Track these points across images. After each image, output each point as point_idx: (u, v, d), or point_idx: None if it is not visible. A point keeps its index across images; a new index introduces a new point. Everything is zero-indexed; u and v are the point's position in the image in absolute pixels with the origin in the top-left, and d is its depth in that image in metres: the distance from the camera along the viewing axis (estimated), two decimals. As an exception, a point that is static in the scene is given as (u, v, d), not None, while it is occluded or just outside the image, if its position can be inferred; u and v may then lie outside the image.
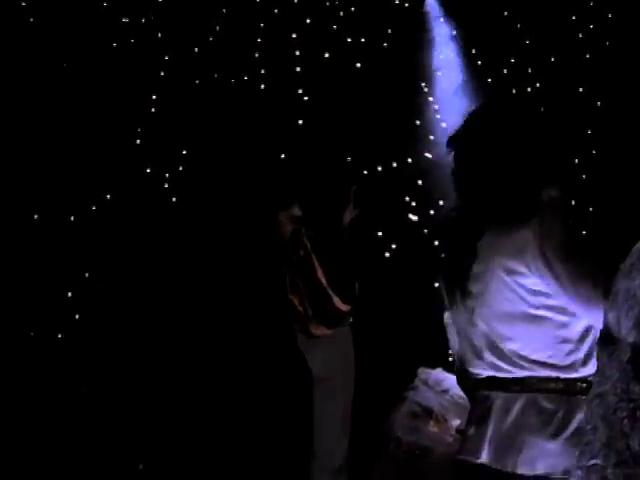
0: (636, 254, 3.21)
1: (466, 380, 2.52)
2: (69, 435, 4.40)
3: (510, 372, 2.32)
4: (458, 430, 3.55)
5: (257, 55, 5.02)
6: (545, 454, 2.24)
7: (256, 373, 4.21)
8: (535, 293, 2.29)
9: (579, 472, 3.34)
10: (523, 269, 2.27)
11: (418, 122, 5.09)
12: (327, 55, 5.08)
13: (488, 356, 2.37)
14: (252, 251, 4.73)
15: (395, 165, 5.05)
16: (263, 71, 5.00)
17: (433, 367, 4.02)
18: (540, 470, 2.24)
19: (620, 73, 5.10)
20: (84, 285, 4.61)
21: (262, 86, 5.00)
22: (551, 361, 2.29)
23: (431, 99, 5.13)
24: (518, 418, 2.28)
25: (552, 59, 5.20)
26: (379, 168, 5.02)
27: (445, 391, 3.84)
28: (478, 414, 2.38)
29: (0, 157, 4.61)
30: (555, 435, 2.26)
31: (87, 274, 4.63)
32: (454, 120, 4.98)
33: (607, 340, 3.21)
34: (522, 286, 2.29)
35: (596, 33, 5.25)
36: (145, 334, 4.57)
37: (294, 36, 5.06)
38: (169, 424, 4.45)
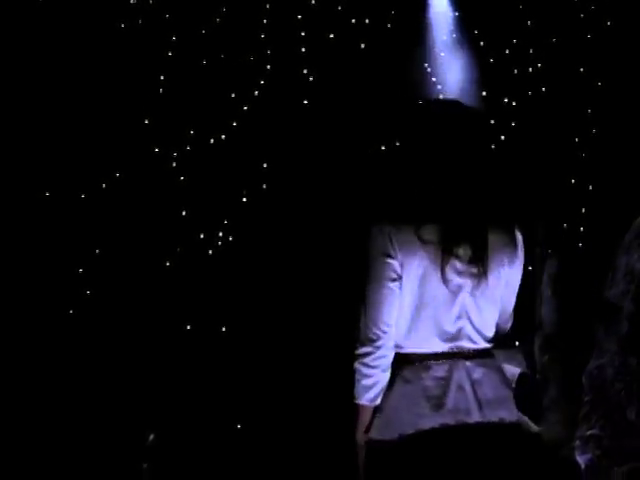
0: (635, 230, 3.30)
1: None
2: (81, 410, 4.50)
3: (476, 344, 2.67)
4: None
5: (263, 36, 5.09)
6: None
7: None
8: None
9: (577, 442, 3.46)
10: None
11: (420, 102, 5.16)
12: (332, 36, 5.14)
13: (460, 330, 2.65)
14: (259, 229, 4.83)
15: (397, 145, 5.11)
16: (269, 51, 5.07)
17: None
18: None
19: (621, 54, 5.16)
20: (95, 261, 4.71)
21: (268, 66, 5.07)
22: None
23: (434, 79, 5.20)
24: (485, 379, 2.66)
25: (553, 40, 5.26)
26: (382, 148, 5.09)
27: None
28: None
29: (13, 136, 4.70)
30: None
31: (97, 251, 4.72)
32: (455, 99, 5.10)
33: (605, 315, 3.32)
34: None
35: (597, 14, 5.30)
36: (155, 311, 4.67)
37: (299, 17, 5.13)
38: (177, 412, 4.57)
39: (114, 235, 4.74)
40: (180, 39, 5.01)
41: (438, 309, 2.58)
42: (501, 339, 2.87)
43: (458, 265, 2.57)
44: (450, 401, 2.55)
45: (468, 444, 2.55)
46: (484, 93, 5.16)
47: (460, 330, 2.61)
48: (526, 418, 3.72)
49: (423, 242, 2.53)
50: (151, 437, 4.48)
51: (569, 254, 4.54)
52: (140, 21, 5.01)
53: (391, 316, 2.58)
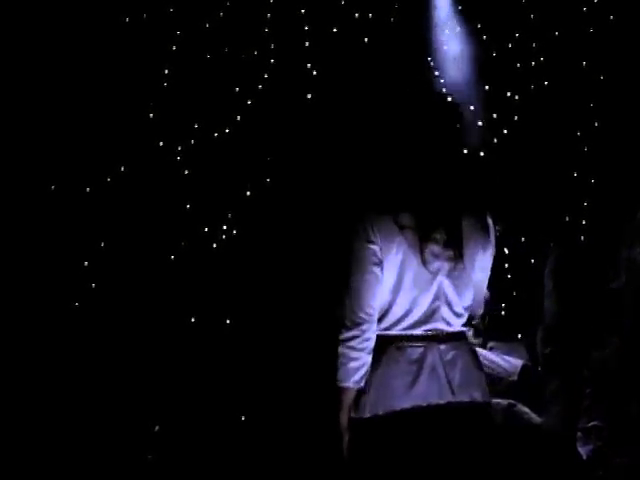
0: (637, 223, 3.33)
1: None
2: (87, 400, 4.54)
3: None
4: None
5: (266, 30, 5.12)
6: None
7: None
8: None
9: (579, 434, 3.49)
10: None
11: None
12: (335, 30, 5.16)
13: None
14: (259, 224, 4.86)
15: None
16: (272, 46, 5.09)
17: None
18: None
19: (623, 47, 5.18)
20: (100, 254, 4.74)
21: (271, 60, 5.09)
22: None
23: (437, 73, 5.22)
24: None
25: (556, 34, 5.27)
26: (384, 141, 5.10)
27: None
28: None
29: (18, 130, 4.73)
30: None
31: (102, 244, 4.76)
32: (459, 93, 5.13)
33: (608, 307, 3.36)
34: None
35: (600, 7, 5.32)
36: (160, 304, 4.71)
37: (302, 11, 5.15)
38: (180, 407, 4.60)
39: (119, 228, 4.77)
40: (184, 33, 5.03)
41: (417, 291, 2.71)
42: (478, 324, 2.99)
43: (435, 248, 2.71)
44: (422, 382, 2.69)
45: (438, 423, 2.67)
46: (487, 87, 5.18)
47: (436, 311, 2.74)
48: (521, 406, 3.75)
49: (401, 228, 2.69)
50: (156, 429, 4.52)
51: (571, 248, 4.56)
52: (145, 15, 5.03)
53: (375, 299, 2.71)
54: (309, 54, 5.12)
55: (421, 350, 2.73)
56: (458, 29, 5.25)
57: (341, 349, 2.72)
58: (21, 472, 4.33)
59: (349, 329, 2.72)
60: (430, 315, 2.74)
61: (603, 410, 3.48)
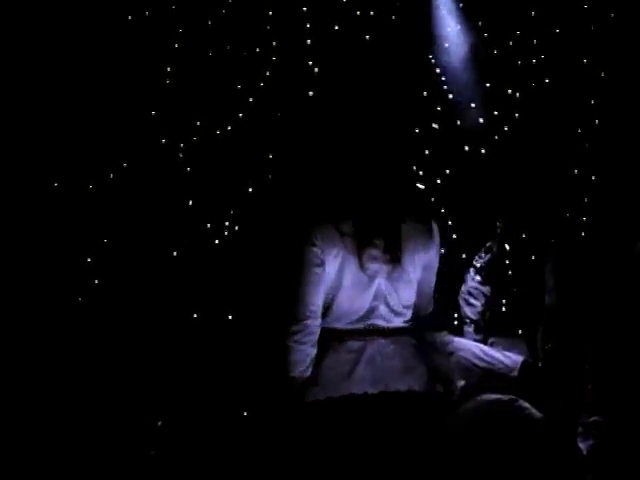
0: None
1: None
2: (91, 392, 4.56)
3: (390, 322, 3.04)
4: (462, 389, 3.72)
5: (268, 27, 5.13)
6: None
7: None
8: None
9: (580, 429, 3.51)
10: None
11: (425, 93, 5.20)
12: (336, 27, 5.18)
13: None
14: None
15: (403, 135, 5.15)
16: (274, 43, 5.11)
17: (438, 330, 4.17)
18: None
19: (624, 44, 5.19)
20: (103, 251, 4.76)
21: (273, 58, 5.11)
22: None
23: (438, 70, 5.23)
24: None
25: (557, 31, 5.29)
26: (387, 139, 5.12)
27: (450, 353, 4.00)
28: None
29: (21, 127, 4.75)
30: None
31: (105, 240, 4.78)
32: (460, 91, 5.15)
33: (610, 305, 3.39)
34: None
35: (601, 4, 5.33)
36: (162, 300, 4.73)
37: (304, 9, 5.17)
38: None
39: (122, 225, 4.79)
40: (186, 30, 5.04)
41: (355, 291, 3.00)
42: (428, 319, 3.12)
43: (374, 252, 3.00)
44: (360, 372, 2.95)
45: (374, 411, 2.93)
46: (487, 84, 5.20)
47: (375, 309, 3.01)
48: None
49: (341, 234, 2.99)
50: (158, 424, 4.54)
51: (571, 244, 4.58)
52: (147, 12, 5.05)
53: (317, 297, 3.01)
54: (311, 51, 5.13)
55: (361, 343, 3.00)
56: (459, 26, 5.26)
57: (288, 342, 3.00)
58: (22, 466, 4.35)
59: (294, 324, 3.00)
60: (370, 312, 3.01)
61: (604, 406, 3.50)
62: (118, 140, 4.85)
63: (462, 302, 4.31)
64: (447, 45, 5.27)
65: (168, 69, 5.00)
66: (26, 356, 4.57)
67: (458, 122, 5.11)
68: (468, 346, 4.06)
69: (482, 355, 4.00)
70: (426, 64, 5.20)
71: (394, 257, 3.01)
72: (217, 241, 4.85)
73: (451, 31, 5.26)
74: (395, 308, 3.04)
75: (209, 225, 4.86)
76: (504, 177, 4.95)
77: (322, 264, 2.99)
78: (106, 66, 4.89)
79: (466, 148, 5.09)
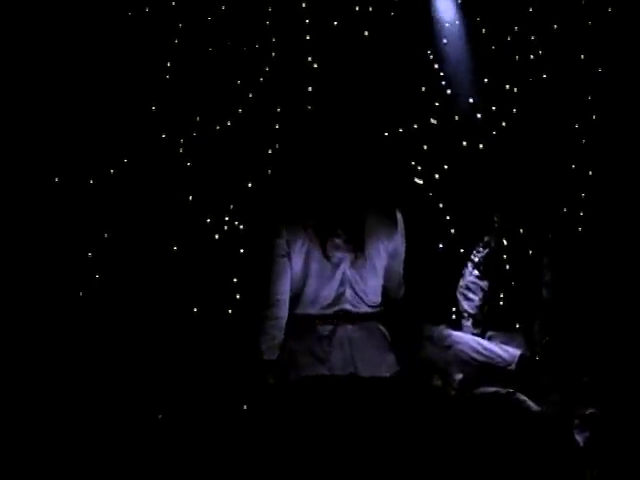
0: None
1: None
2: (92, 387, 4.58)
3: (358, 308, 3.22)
4: (460, 383, 3.75)
5: (268, 23, 5.15)
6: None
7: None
8: None
9: (577, 421, 3.55)
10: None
11: (423, 89, 5.22)
12: (336, 23, 5.20)
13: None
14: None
15: (401, 130, 5.17)
16: (274, 39, 5.13)
17: (437, 324, 4.20)
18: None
19: (622, 41, 5.21)
20: (103, 246, 4.78)
21: (273, 53, 5.13)
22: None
23: (436, 66, 5.25)
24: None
25: (555, 27, 5.30)
26: (386, 133, 5.15)
27: (448, 347, 4.03)
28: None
29: (21, 123, 4.76)
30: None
31: (106, 235, 4.80)
32: (458, 87, 5.17)
33: (610, 299, 3.42)
34: None
35: (599, 0, 5.35)
36: (162, 294, 4.75)
37: (303, 5, 5.19)
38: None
39: (122, 220, 4.82)
40: (186, 26, 5.06)
41: (322, 278, 3.19)
42: (400, 304, 3.26)
43: (337, 242, 3.20)
44: (328, 355, 3.13)
45: (341, 392, 3.09)
46: (485, 80, 5.22)
47: (342, 295, 3.20)
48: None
49: (305, 227, 3.21)
50: (159, 418, 4.56)
51: (569, 239, 4.60)
52: (146, 8, 5.06)
53: (283, 285, 3.22)
54: (310, 47, 5.14)
55: (331, 327, 3.18)
56: (458, 22, 5.28)
57: (258, 327, 3.24)
58: (22, 460, 4.38)
59: (262, 310, 3.23)
60: (338, 298, 3.21)
61: (601, 398, 3.53)
62: (118, 135, 4.87)
63: (460, 296, 4.33)
64: (445, 41, 5.29)
65: (168, 64, 5.01)
66: (27, 349, 4.59)
67: (456, 117, 5.14)
68: (466, 340, 4.08)
69: (480, 349, 4.03)
70: (424, 59, 5.22)
71: (357, 246, 3.21)
72: (217, 236, 4.87)
73: (449, 27, 5.28)
74: (361, 294, 3.22)
75: (209, 220, 4.87)
76: (502, 172, 4.97)
77: (287, 255, 3.21)
78: (106, 62, 4.91)
79: (464, 143, 5.11)
